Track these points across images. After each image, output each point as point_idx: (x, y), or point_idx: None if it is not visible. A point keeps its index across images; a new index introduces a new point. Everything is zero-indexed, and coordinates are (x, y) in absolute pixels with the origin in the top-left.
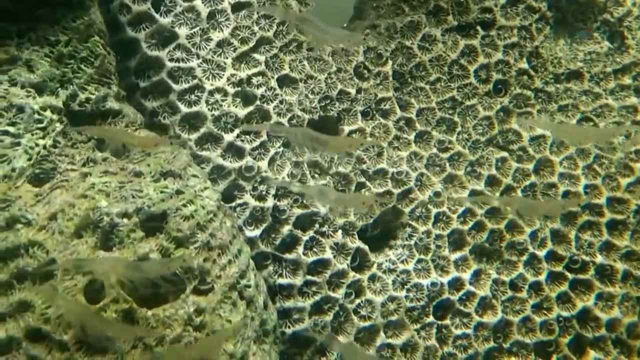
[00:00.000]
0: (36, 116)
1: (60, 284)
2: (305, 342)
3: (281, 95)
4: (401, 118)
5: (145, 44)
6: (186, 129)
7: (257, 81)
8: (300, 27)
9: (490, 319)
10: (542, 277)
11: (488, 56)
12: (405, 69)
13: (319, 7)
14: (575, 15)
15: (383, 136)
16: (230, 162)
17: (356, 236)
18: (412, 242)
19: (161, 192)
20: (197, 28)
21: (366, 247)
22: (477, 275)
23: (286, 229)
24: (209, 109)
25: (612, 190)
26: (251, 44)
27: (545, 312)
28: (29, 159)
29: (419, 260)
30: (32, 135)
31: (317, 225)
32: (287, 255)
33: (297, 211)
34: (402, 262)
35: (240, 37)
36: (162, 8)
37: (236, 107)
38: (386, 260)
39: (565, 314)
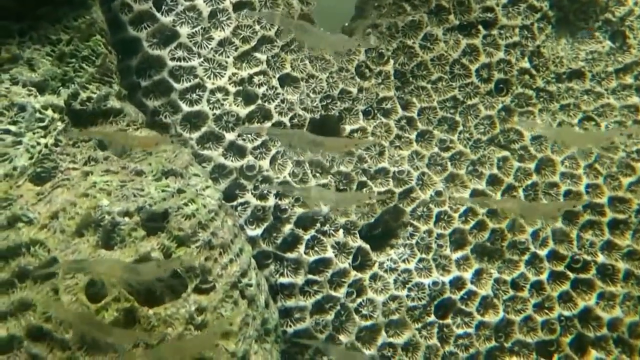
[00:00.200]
0: (37, 115)
1: (61, 282)
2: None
3: (282, 94)
4: (403, 117)
5: (147, 43)
6: (187, 128)
7: (259, 80)
8: (297, 34)
9: (491, 318)
10: (543, 277)
11: (490, 55)
12: (407, 68)
13: (320, 6)
14: (577, 15)
15: (385, 135)
16: (232, 161)
17: (357, 235)
18: (414, 241)
19: (162, 191)
20: (199, 27)
21: (367, 246)
22: (478, 274)
23: (287, 228)
24: (210, 108)
25: (614, 190)
26: (252, 43)
27: (546, 311)
28: (31, 158)
29: (421, 260)
30: (34, 134)
31: (318, 224)
32: (289, 254)
33: (299, 210)
34: (404, 261)
35: (241, 36)
36: (163, 7)
37: (237, 106)
38: (387, 260)
39: (566, 313)
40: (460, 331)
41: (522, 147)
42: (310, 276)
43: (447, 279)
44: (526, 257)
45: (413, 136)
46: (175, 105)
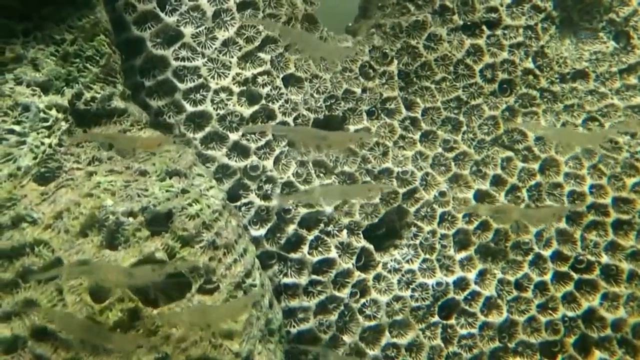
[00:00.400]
0: (42, 115)
1: (65, 283)
2: (311, 341)
3: (286, 95)
4: (406, 117)
5: (151, 43)
6: (191, 128)
7: (263, 80)
8: (294, 43)
9: (495, 318)
10: (547, 277)
11: (494, 56)
12: (411, 68)
13: (324, 6)
14: (580, 15)
15: (388, 135)
16: (236, 161)
17: (361, 235)
18: (418, 242)
19: (167, 191)
20: (203, 27)
21: (371, 247)
22: (482, 275)
23: (291, 229)
24: (214, 108)
25: (618, 190)
26: (256, 43)
27: (550, 312)
28: (35, 158)
29: (424, 260)
30: (38, 134)
31: (322, 225)
32: (292, 255)
33: (302, 210)
34: (408, 261)
35: (245, 36)
36: (167, 7)
37: (241, 106)
38: (391, 260)
39: (570, 314)
40: (464, 332)
41: (526, 147)
42: (314, 276)
43: (450, 279)
44: (530, 257)
45: (417, 136)
46: (179, 105)
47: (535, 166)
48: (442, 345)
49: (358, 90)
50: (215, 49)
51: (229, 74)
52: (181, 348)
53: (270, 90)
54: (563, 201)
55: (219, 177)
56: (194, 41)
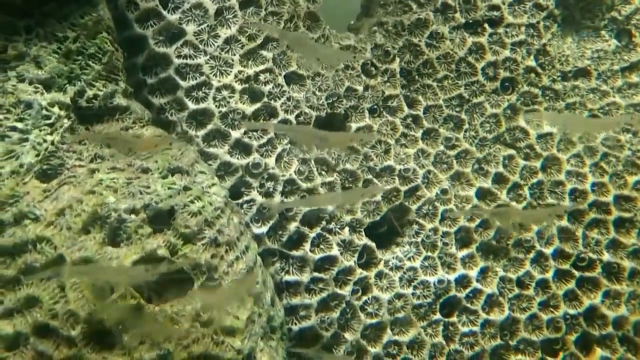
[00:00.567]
0: (44, 112)
1: (68, 279)
2: (312, 338)
3: (288, 92)
4: (408, 115)
5: (153, 41)
6: (193, 126)
7: (265, 78)
8: (292, 47)
9: (497, 316)
10: (549, 275)
11: (495, 54)
12: (413, 66)
13: (326, 4)
14: (582, 13)
15: (390, 133)
16: (238, 158)
17: (363, 233)
18: (419, 240)
19: (169, 188)
20: (205, 25)
21: (373, 244)
22: (484, 272)
23: (293, 226)
24: (216, 106)
25: (620, 188)
26: (259, 41)
27: (552, 309)
28: (37, 155)
29: (426, 258)
30: (40, 131)
31: (324, 222)
32: (294, 252)
33: (304, 208)
34: (409, 259)
35: (247, 34)
36: (169, 5)
37: (243, 103)
38: (393, 258)
39: (572, 311)
40: (465, 329)
41: (528, 145)
42: (315, 274)
43: (452, 277)
44: (532, 255)
45: (419, 134)
46: (181, 102)
47: (537, 164)
48: (444, 342)
49: (360, 88)
50: (218, 46)
51: (231, 71)
52: (183, 345)
53: (273, 87)
54: (565, 199)
55: (221, 175)
56: (196, 39)
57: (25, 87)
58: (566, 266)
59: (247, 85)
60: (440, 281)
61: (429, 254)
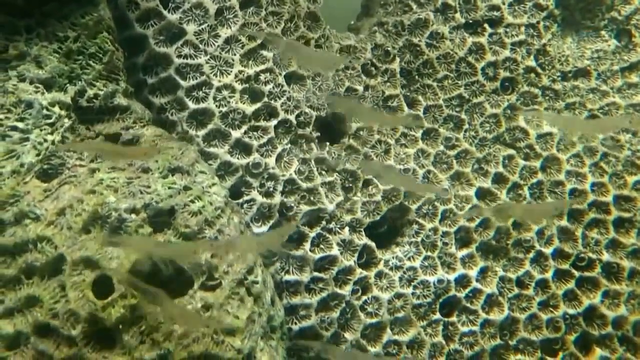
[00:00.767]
0: (45, 112)
1: (68, 279)
2: (312, 338)
3: (289, 92)
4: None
5: (153, 41)
6: (194, 126)
7: (265, 78)
8: (287, 53)
9: (496, 316)
10: (548, 275)
11: (495, 54)
12: (413, 66)
13: (326, 4)
14: (582, 13)
15: (390, 133)
16: (238, 158)
17: (363, 233)
18: (419, 239)
19: (169, 188)
20: (205, 25)
21: (373, 244)
22: (483, 272)
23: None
24: (216, 106)
25: (619, 188)
26: (259, 41)
27: (551, 309)
28: (38, 155)
29: (426, 257)
30: (41, 130)
31: (324, 222)
32: (294, 252)
33: (304, 207)
34: (409, 259)
35: (248, 33)
36: (170, 4)
37: (244, 103)
38: (393, 257)
39: (571, 311)
40: (465, 329)
41: (528, 145)
42: (315, 274)
43: (452, 276)
44: (531, 255)
45: (419, 134)
46: (182, 102)
47: (537, 164)
48: (444, 342)
49: (360, 88)
50: (218, 46)
51: (231, 71)
52: (183, 344)
53: (273, 87)
54: (565, 199)
55: (221, 175)
56: (197, 39)
57: (26, 86)
58: (566, 266)
59: (247, 85)
60: (440, 281)
61: (429, 253)
